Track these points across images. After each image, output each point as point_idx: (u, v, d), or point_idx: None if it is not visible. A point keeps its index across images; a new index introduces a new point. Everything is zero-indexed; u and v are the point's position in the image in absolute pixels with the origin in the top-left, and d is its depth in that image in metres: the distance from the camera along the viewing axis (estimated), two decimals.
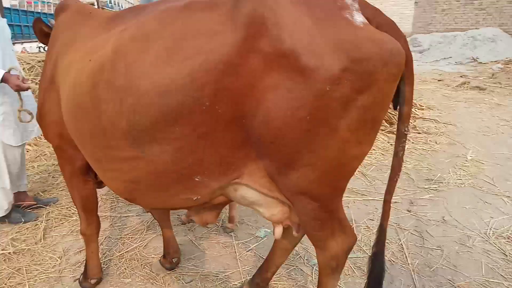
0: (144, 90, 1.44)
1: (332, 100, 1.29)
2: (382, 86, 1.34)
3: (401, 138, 1.57)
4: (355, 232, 1.77)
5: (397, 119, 1.58)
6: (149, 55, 1.45)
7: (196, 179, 1.55)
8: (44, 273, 2.55)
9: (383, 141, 5.06)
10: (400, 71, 1.38)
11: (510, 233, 2.93)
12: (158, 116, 1.44)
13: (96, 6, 12.09)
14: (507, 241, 2.85)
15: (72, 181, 2.19)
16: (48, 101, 2.05)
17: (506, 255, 2.68)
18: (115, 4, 10.68)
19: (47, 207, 3.45)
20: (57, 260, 2.69)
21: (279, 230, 1.78)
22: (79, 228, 2.36)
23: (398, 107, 1.54)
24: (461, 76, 9.97)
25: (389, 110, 5.48)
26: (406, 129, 1.55)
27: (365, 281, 1.79)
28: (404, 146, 1.59)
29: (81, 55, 1.78)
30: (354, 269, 2.59)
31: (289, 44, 1.28)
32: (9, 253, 2.77)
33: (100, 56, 1.62)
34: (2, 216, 3.18)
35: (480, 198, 3.53)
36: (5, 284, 2.47)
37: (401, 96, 1.49)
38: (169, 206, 1.87)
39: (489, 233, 2.95)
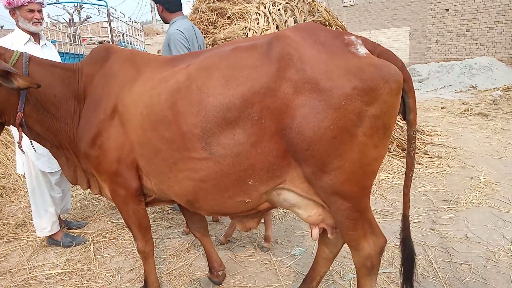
0: (213, 106, 1.86)
1: (348, 111, 1.68)
2: (386, 98, 1.71)
3: (410, 140, 1.94)
4: (384, 250, 2.01)
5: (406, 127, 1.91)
6: (212, 81, 1.89)
7: (249, 182, 1.90)
8: None
9: (398, 166, 5.29)
10: (399, 86, 1.76)
11: None
12: (223, 126, 1.85)
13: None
14: None
15: (128, 204, 2.33)
16: (107, 129, 2.22)
17: None
18: (128, 43, 11.11)
19: (92, 231, 3.65)
20: (111, 278, 2.86)
21: (316, 231, 2.07)
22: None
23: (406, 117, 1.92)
24: (463, 103, 10.21)
25: (400, 137, 5.77)
26: (413, 132, 1.92)
27: (401, 259, 2.10)
28: (414, 147, 1.95)
29: (152, 85, 2.15)
30: (389, 283, 2.76)
31: (310, 73, 1.71)
32: (68, 272, 2.95)
33: (175, 82, 2.03)
34: (54, 240, 3.40)
35: (499, 216, 3.71)
36: None
37: (406, 107, 1.88)
38: (224, 209, 2.08)
39: None
